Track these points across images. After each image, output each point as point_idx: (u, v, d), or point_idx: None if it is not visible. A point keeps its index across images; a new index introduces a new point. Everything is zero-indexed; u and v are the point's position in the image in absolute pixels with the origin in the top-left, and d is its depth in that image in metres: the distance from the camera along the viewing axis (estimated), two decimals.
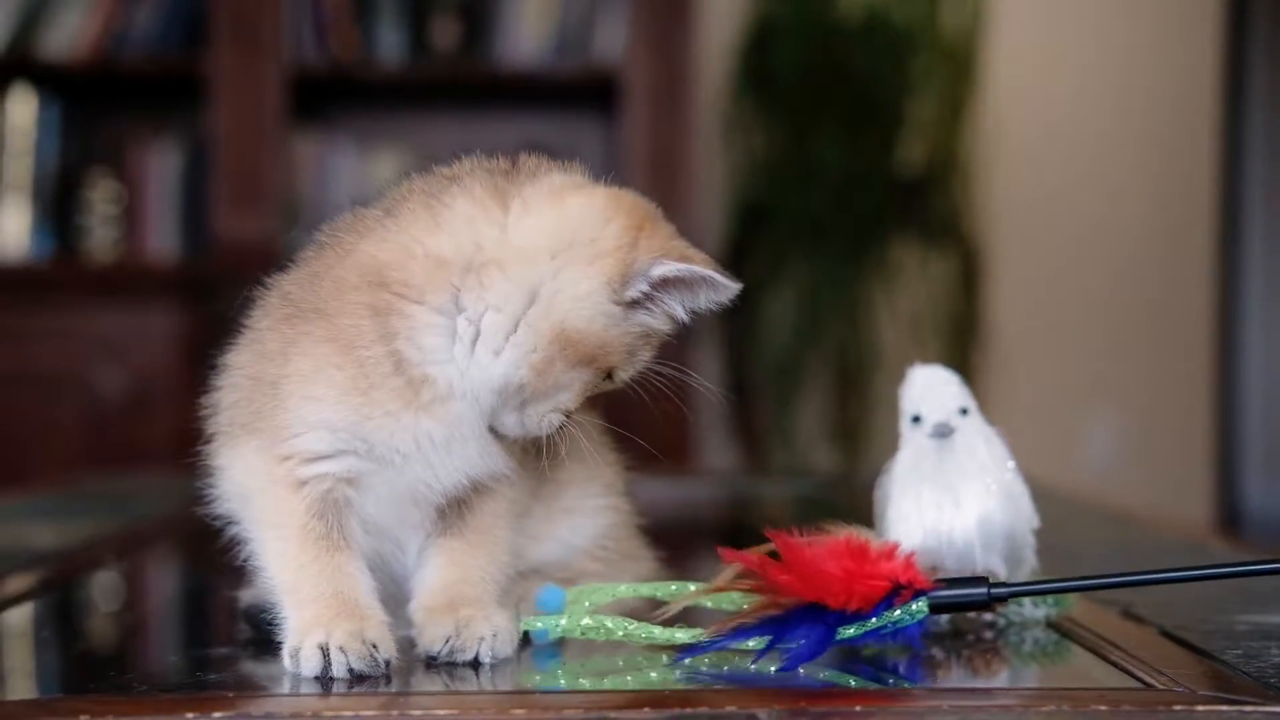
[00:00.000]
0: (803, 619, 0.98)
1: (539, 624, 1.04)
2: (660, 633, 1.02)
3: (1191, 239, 4.18)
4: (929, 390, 1.15)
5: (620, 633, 1.03)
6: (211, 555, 1.13)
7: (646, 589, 1.07)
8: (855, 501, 2.34)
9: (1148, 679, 0.92)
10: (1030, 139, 4.01)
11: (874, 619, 0.98)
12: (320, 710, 0.90)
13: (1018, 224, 4.01)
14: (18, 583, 1.33)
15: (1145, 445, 4.14)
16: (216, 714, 0.93)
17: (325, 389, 0.98)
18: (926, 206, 3.75)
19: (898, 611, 0.98)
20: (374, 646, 0.95)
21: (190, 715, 0.89)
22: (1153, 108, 4.15)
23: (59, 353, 3.48)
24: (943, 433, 1.12)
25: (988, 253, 3.87)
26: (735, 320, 3.78)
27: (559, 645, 1.09)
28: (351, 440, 0.99)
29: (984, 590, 0.99)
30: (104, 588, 1.47)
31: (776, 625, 0.98)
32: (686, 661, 0.99)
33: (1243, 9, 4.21)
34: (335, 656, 0.94)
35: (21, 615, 1.25)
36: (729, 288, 1.01)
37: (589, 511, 1.16)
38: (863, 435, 3.70)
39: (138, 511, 1.90)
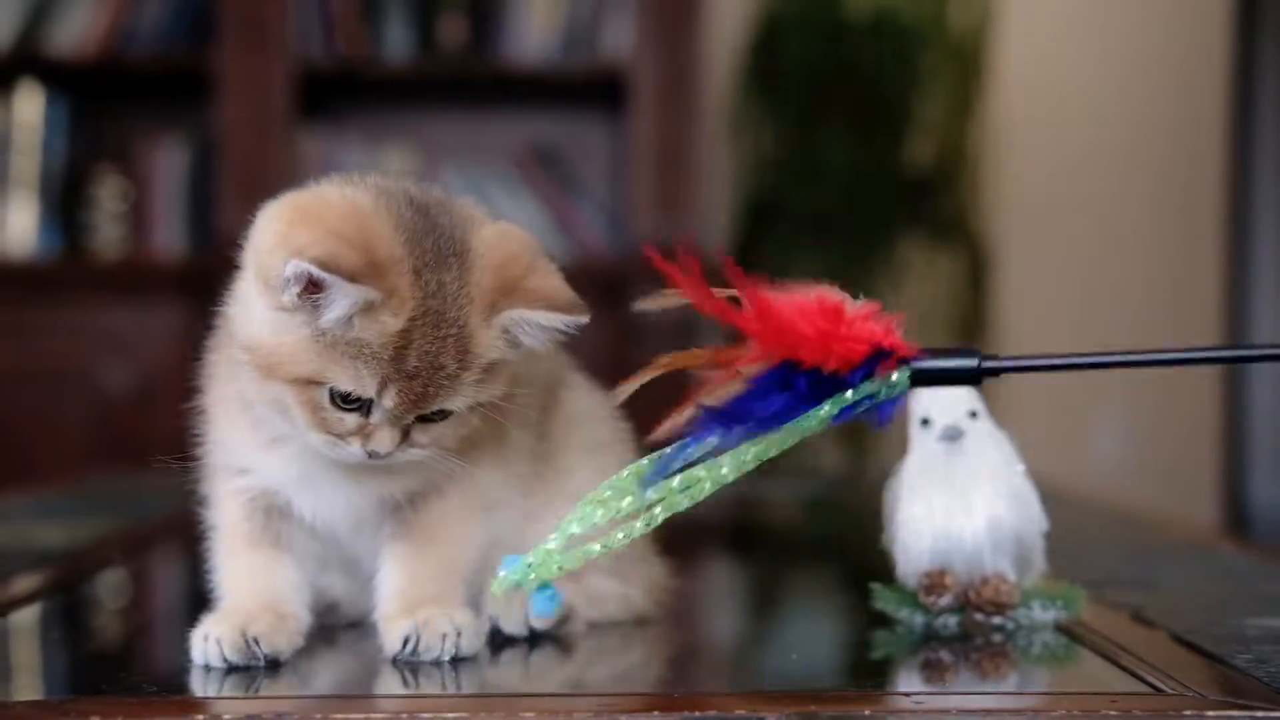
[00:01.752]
0: (769, 389, 0.85)
1: (506, 575, 0.92)
2: (629, 504, 0.90)
3: (1201, 237, 4.17)
4: (937, 393, 1.14)
5: (598, 545, 0.91)
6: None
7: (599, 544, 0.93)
8: (863, 502, 2.35)
9: (1158, 684, 0.91)
10: (1039, 137, 4.00)
11: (850, 392, 0.85)
12: (329, 713, 0.90)
13: (1026, 222, 4.00)
14: (27, 582, 1.34)
15: (1153, 445, 4.13)
16: (225, 716, 0.93)
17: (216, 416, 1.04)
18: (934, 205, 3.74)
19: (877, 383, 0.86)
20: (255, 641, 0.98)
21: (199, 718, 0.89)
22: (1163, 106, 4.14)
23: (65, 350, 3.48)
24: (952, 436, 1.12)
25: (996, 251, 3.86)
26: None
27: (566, 646, 1.09)
28: (246, 464, 1.03)
29: (974, 361, 0.89)
30: (113, 587, 1.47)
31: (742, 402, 0.85)
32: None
33: (1253, 7, 4.20)
34: (211, 647, 0.98)
35: (31, 615, 1.25)
36: (332, 283, 0.90)
37: None
38: (870, 435, 3.69)
39: (146, 510, 1.90)
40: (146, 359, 3.47)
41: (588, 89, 3.68)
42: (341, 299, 0.92)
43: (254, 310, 0.96)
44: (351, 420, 0.95)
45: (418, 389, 0.94)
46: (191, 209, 3.61)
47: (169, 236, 3.61)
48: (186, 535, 1.67)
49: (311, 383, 0.94)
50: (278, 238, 0.94)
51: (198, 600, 1.10)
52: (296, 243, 0.92)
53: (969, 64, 3.71)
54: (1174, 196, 4.16)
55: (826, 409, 0.86)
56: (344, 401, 0.95)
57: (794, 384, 0.85)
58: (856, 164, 3.63)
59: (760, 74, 3.74)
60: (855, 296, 0.89)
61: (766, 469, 0.92)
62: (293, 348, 0.94)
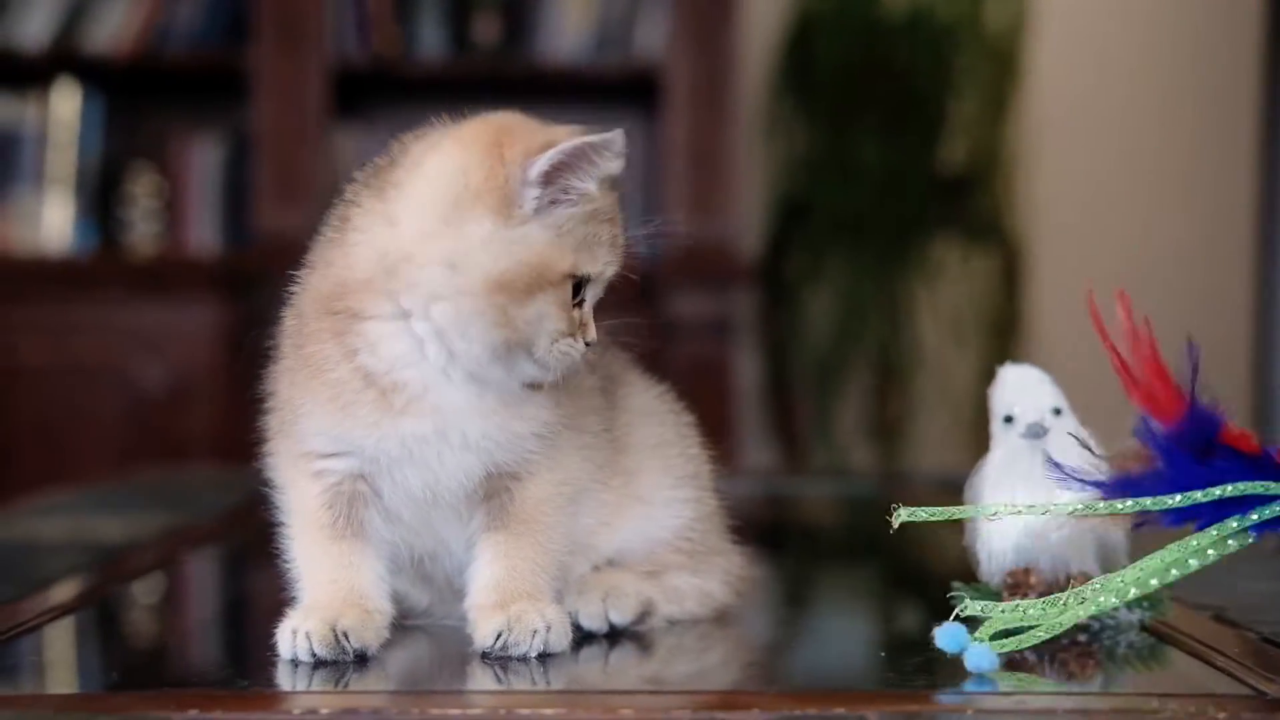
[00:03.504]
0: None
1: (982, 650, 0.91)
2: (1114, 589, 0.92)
3: (1233, 237, 4.16)
4: (1021, 390, 1.14)
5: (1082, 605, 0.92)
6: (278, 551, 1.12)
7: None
8: (902, 498, 2.34)
9: (1259, 686, 0.91)
10: (1073, 137, 3.99)
11: (1259, 484, 0.90)
12: (427, 708, 0.90)
13: (1059, 222, 3.99)
14: (96, 576, 1.34)
15: None
16: (323, 710, 0.92)
17: (313, 407, 1.03)
18: (968, 205, 3.72)
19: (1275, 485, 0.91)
20: (344, 635, 0.98)
21: (298, 712, 0.89)
22: (1196, 106, 4.12)
23: (100, 346, 3.49)
24: (1036, 433, 1.11)
25: (1029, 251, 3.85)
26: (775, 318, 3.77)
27: (646, 643, 1.09)
28: (346, 445, 1.03)
29: None
30: (181, 581, 1.47)
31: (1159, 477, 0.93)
32: None
33: None
34: (300, 641, 0.98)
35: (105, 610, 1.25)
36: (608, 141, 0.99)
37: (665, 502, 1.15)
38: (903, 434, 3.69)
39: (199, 504, 1.90)
40: (181, 356, 3.48)
41: (621, 88, 3.68)
42: (607, 160, 0.99)
43: (493, 246, 0.97)
44: (577, 315, 1.01)
45: (621, 254, 1.02)
46: (226, 206, 3.62)
47: (203, 233, 3.62)
48: (245, 529, 1.68)
49: (567, 279, 0.99)
50: (492, 159, 0.98)
51: (265, 594, 1.10)
52: (527, 146, 0.98)
53: (1004, 64, 3.69)
54: (1207, 197, 4.15)
55: (1241, 521, 0.93)
56: (574, 296, 1.00)
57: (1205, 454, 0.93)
58: (890, 164, 3.62)
59: (794, 73, 3.74)
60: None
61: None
62: (548, 251, 0.98)
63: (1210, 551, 0.93)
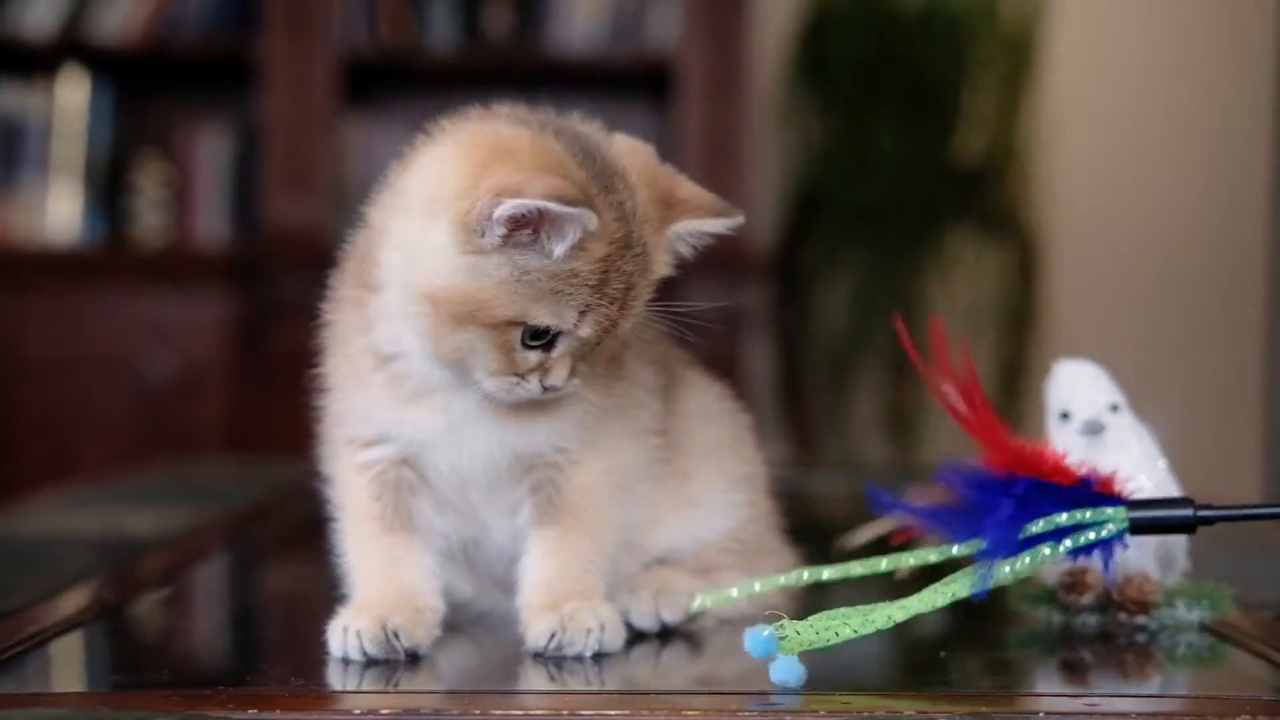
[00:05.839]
0: (991, 497, 0.91)
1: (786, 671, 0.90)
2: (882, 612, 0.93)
3: (1248, 229, 4.15)
4: (1077, 386, 1.13)
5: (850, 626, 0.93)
6: (320, 546, 1.11)
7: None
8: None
9: None
10: (1089, 130, 3.97)
11: (1064, 515, 0.91)
12: (488, 709, 0.88)
13: (1075, 215, 3.98)
14: (135, 571, 1.32)
15: (1199, 436, 4.11)
16: (384, 711, 0.91)
17: (344, 384, 1.01)
18: (984, 197, 3.71)
19: (1089, 513, 0.92)
20: (395, 634, 0.96)
21: (357, 711, 0.87)
22: (1212, 98, 4.11)
23: (108, 337, 3.47)
24: (1094, 430, 1.10)
25: (1045, 244, 3.84)
26: (789, 309, 3.76)
27: (696, 642, 1.07)
28: (375, 427, 1.01)
29: (1189, 511, 0.94)
30: (221, 576, 1.45)
31: (968, 510, 0.92)
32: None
33: None
34: (351, 640, 0.96)
35: (149, 605, 1.23)
36: (574, 216, 0.90)
37: (718, 505, 1.13)
38: (916, 427, 3.67)
39: (222, 498, 1.88)
40: (189, 347, 3.46)
41: (634, 79, 3.65)
42: (571, 230, 0.91)
43: (440, 259, 0.93)
44: (534, 357, 0.95)
45: (612, 314, 0.94)
46: (234, 196, 3.59)
47: (212, 224, 3.60)
48: (274, 523, 1.66)
49: (511, 324, 0.93)
50: (472, 178, 0.92)
51: (304, 589, 1.08)
52: (504, 182, 0.91)
53: (1020, 55, 3.68)
54: (1222, 189, 4.13)
55: (1039, 526, 0.92)
56: (532, 339, 0.94)
57: (1013, 490, 0.92)
58: (906, 155, 3.61)
59: (809, 64, 3.72)
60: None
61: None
62: (493, 291, 0.92)
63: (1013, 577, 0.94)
